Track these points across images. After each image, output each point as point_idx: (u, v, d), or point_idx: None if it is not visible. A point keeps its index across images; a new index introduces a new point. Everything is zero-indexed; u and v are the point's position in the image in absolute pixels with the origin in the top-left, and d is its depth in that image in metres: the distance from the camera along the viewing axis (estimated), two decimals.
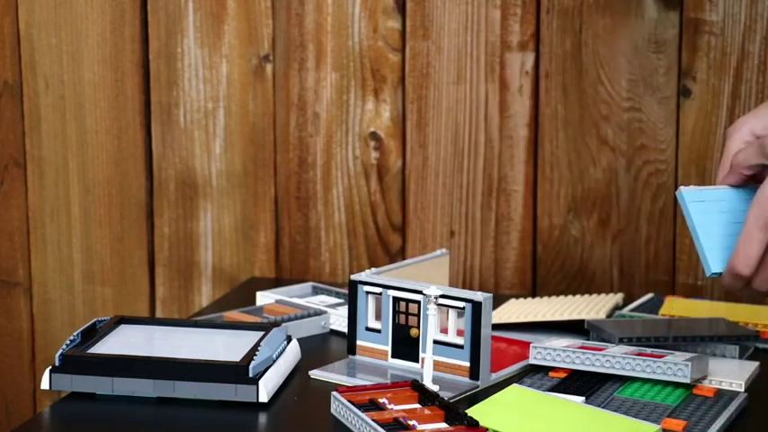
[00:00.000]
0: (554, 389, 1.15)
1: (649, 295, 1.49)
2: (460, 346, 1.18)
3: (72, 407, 1.12)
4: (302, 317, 1.35)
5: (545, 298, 1.48)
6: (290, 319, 1.34)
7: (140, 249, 1.68)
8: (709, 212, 1.16)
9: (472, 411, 1.05)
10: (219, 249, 1.66)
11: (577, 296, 1.47)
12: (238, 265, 1.66)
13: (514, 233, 1.58)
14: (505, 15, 1.55)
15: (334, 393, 1.09)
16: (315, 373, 1.21)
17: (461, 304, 1.18)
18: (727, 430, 1.08)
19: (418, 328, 1.21)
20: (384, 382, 1.13)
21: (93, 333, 1.21)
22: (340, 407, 1.07)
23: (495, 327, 1.29)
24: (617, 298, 1.46)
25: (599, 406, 1.10)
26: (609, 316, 1.39)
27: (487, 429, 1.01)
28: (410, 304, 1.21)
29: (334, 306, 1.40)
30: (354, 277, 1.25)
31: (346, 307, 1.28)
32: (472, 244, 1.59)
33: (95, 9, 1.64)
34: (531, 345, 1.21)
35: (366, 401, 1.07)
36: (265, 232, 1.65)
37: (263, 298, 1.43)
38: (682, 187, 1.16)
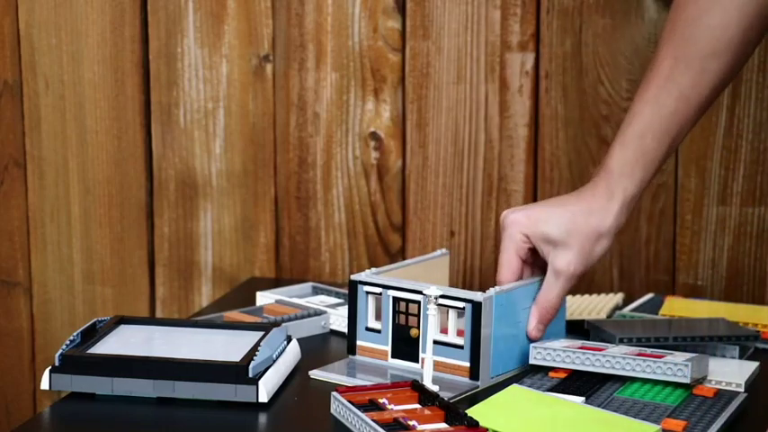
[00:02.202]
0: (554, 389, 1.15)
1: (649, 295, 1.49)
2: (460, 347, 1.18)
3: (72, 407, 1.12)
4: (302, 317, 1.35)
5: None
6: (290, 319, 1.34)
7: (140, 249, 1.68)
8: (501, 316, 1.21)
9: (472, 411, 1.05)
10: (219, 249, 1.66)
11: (577, 296, 1.47)
12: (238, 265, 1.66)
13: None
14: (505, 15, 1.55)
15: (334, 393, 1.09)
16: (315, 373, 1.21)
17: (461, 304, 1.18)
18: (727, 430, 1.08)
19: (418, 328, 1.20)
20: (384, 383, 1.13)
21: (93, 333, 1.21)
22: (340, 407, 1.07)
23: None
24: (617, 298, 1.46)
25: (599, 406, 1.10)
26: (609, 316, 1.39)
27: (487, 429, 1.01)
28: (410, 304, 1.21)
29: (334, 306, 1.40)
30: (354, 277, 1.25)
31: (346, 307, 1.28)
32: (472, 244, 1.59)
33: (95, 9, 1.64)
34: (531, 345, 1.21)
35: (366, 401, 1.07)
36: (265, 232, 1.65)
37: (263, 298, 1.43)
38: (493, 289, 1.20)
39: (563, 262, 1.22)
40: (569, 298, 1.46)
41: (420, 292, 1.19)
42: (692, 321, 1.32)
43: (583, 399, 1.12)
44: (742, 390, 1.17)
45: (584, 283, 1.56)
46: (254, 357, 1.12)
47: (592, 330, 1.29)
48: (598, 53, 1.53)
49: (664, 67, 1.24)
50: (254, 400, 1.11)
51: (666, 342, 1.22)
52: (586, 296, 1.47)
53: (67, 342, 1.16)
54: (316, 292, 1.48)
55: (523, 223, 1.23)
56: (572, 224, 1.22)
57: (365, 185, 1.61)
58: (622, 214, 1.23)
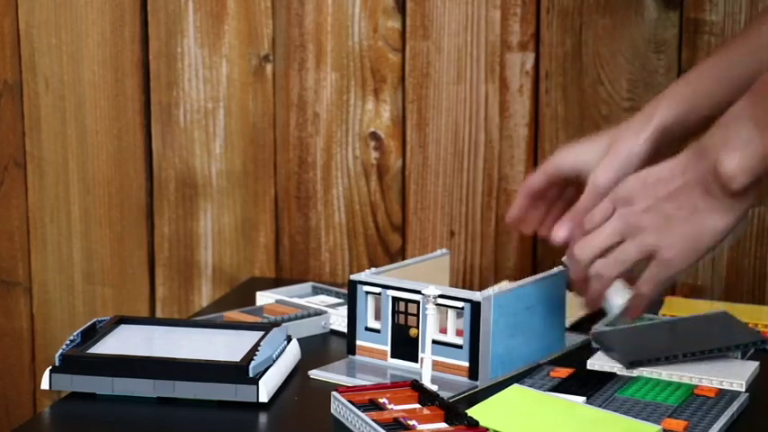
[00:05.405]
0: (555, 389, 1.15)
1: None
2: (459, 346, 1.18)
3: (72, 407, 1.12)
4: (302, 317, 1.35)
5: None
6: (290, 319, 1.34)
7: (140, 249, 1.68)
8: (500, 316, 1.20)
9: (472, 411, 1.05)
10: (219, 249, 1.66)
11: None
12: (238, 265, 1.66)
13: (514, 233, 1.58)
14: (505, 15, 1.55)
15: (334, 393, 1.09)
16: (315, 373, 1.21)
17: (460, 304, 1.18)
18: (728, 430, 1.08)
19: (417, 327, 1.20)
20: (384, 382, 1.13)
21: (93, 333, 1.21)
22: (340, 407, 1.07)
23: None
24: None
25: (600, 406, 1.10)
26: (588, 318, 1.39)
27: (487, 429, 1.01)
28: (409, 304, 1.21)
29: (334, 306, 1.40)
30: (354, 277, 1.25)
31: (346, 307, 1.28)
32: (472, 244, 1.59)
33: (95, 9, 1.64)
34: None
35: (366, 401, 1.07)
36: (265, 232, 1.65)
37: (263, 298, 1.43)
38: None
39: (598, 173, 1.21)
40: None
41: (419, 292, 1.19)
42: (697, 324, 1.30)
43: (583, 399, 1.12)
44: (743, 390, 1.17)
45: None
46: (254, 357, 1.12)
47: (597, 343, 1.26)
48: (598, 53, 1.53)
49: (753, 31, 1.23)
50: (255, 400, 1.11)
51: (676, 360, 1.21)
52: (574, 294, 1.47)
53: (67, 342, 1.16)
54: (316, 292, 1.49)
55: (555, 156, 1.27)
56: (604, 149, 1.23)
57: (365, 185, 1.61)
58: (653, 140, 1.22)
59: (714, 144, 1.06)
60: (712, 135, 1.07)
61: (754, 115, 1.04)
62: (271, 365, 1.15)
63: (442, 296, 1.17)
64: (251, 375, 1.11)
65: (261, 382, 1.11)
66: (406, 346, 1.21)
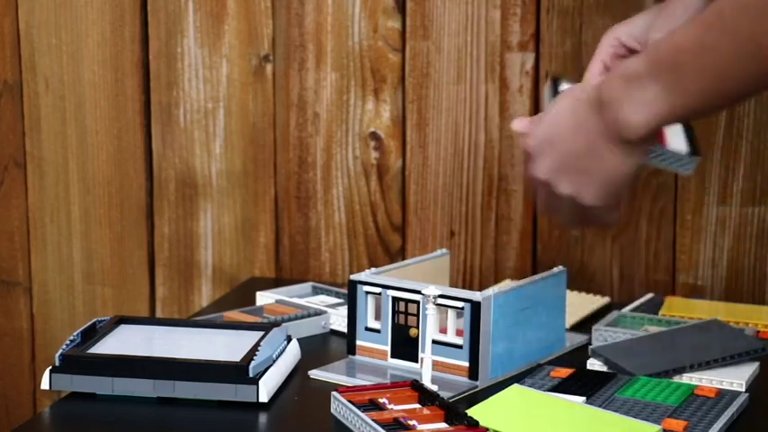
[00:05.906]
0: (555, 389, 1.15)
1: (649, 295, 1.48)
2: (459, 346, 1.18)
3: (72, 407, 1.12)
4: (302, 317, 1.35)
5: None
6: (290, 319, 1.34)
7: (140, 249, 1.68)
8: (500, 316, 1.20)
9: (472, 411, 1.05)
10: (219, 249, 1.66)
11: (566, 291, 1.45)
12: (238, 265, 1.66)
13: (514, 233, 1.58)
14: (505, 15, 1.55)
15: (334, 393, 1.09)
16: (315, 373, 1.21)
17: (460, 304, 1.18)
18: (728, 431, 1.08)
19: (417, 327, 1.20)
20: (384, 382, 1.13)
21: (93, 333, 1.21)
22: (340, 407, 1.07)
23: None
24: (602, 301, 1.46)
25: (599, 406, 1.10)
26: (588, 318, 1.39)
27: (487, 429, 1.01)
28: (409, 304, 1.21)
29: (334, 306, 1.40)
30: (354, 277, 1.25)
31: (346, 307, 1.28)
32: (472, 244, 1.59)
33: (95, 9, 1.64)
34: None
35: (366, 401, 1.07)
36: (265, 232, 1.65)
37: (263, 298, 1.43)
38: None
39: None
40: None
41: (419, 292, 1.19)
42: (695, 334, 1.29)
43: (583, 399, 1.12)
44: (743, 390, 1.17)
45: (584, 283, 1.56)
46: (254, 357, 1.12)
47: (596, 359, 1.24)
48: None
49: None
50: (255, 400, 1.11)
51: (684, 371, 1.20)
52: (575, 293, 1.47)
53: (68, 342, 1.16)
54: (316, 292, 1.49)
55: (614, 30, 1.25)
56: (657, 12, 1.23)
57: (365, 185, 1.61)
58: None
59: (617, 98, 1.09)
60: (611, 88, 1.10)
61: (663, 79, 1.06)
62: (271, 365, 1.15)
63: (442, 296, 1.17)
64: (251, 375, 1.11)
65: (261, 382, 1.11)
66: (406, 346, 1.21)
